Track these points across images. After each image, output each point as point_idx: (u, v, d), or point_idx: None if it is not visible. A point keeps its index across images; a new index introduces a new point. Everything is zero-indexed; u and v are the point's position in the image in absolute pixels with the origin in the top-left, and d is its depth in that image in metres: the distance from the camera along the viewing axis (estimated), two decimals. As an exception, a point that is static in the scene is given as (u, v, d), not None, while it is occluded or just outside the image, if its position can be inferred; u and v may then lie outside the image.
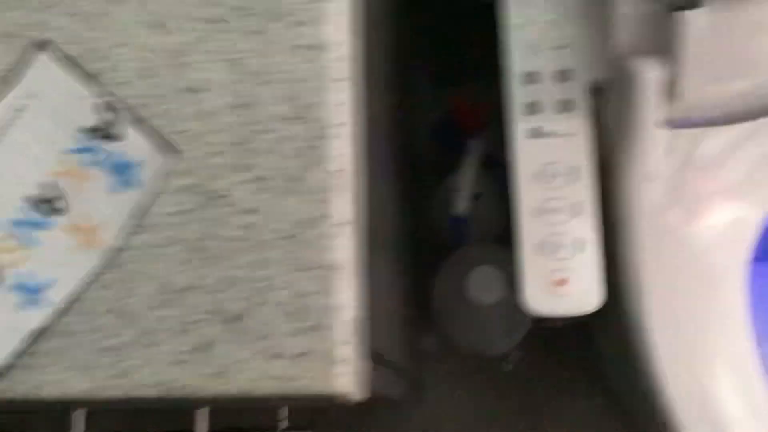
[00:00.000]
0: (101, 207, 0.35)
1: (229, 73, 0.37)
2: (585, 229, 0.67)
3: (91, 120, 0.35)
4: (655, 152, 0.68)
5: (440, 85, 1.00)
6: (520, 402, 1.05)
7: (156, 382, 0.33)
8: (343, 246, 0.35)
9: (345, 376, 0.34)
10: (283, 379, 0.34)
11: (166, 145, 0.36)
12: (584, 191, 0.67)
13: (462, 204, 0.89)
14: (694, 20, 0.63)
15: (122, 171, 0.35)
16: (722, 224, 0.69)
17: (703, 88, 0.65)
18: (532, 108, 0.68)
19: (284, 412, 0.72)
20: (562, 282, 0.66)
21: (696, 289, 0.68)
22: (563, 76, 0.67)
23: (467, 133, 0.92)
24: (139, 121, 0.36)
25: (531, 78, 0.68)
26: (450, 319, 0.91)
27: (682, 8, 0.63)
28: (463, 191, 0.88)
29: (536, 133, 0.68)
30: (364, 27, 0.41)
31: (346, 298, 0.35)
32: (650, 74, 0.65)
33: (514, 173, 0.68)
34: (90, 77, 0.36)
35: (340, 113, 0.36)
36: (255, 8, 0.37)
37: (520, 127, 0.68)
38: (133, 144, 0.36)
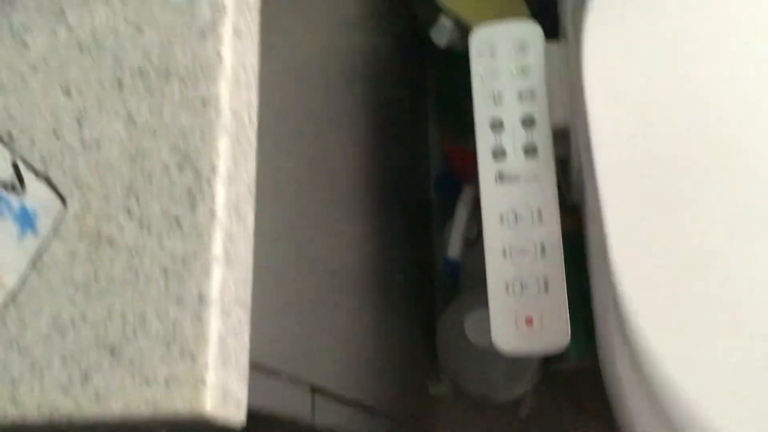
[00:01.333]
0: (5, 253, 0.39)
1: (123, 128, 0.41)
2: (549, 269, 0.68)
3: (0, 175, 0.40)
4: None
5: (447, 137, 1.03)
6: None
7: (41, 408, 0.37)
8: (214, 280, 0.38)
9: (214, 401, 0.37)
10: (155, 403, 0.37)
11: (61, 195, 0.40)
12: (548, 233, 0.68)
13: (454, 248, 0.90)
14: None
15: (24, 220, 0.40)
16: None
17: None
18: (498, 153, 0.70)
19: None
20: (528, 321, 0.67)
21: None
22: (527, 122, 0.69)
23: (464, 180, 0.94)
24: (41, 175, 0.41)
25: (496, 124, 0.70)
26: (454, 364, 0.92)
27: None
28: (455, 235, 0.90)
29: (502, 177, 0.70)
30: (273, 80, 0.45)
31: (216, 327, 0.38)
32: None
33: (483, 216, 0.70)
34: (1, 138, 0.41)
35: (221, 162, 0.40)
36: (150, 71, 0.42)
37: (487, 170, 0.70)
38: (35, 195, 0.40)
